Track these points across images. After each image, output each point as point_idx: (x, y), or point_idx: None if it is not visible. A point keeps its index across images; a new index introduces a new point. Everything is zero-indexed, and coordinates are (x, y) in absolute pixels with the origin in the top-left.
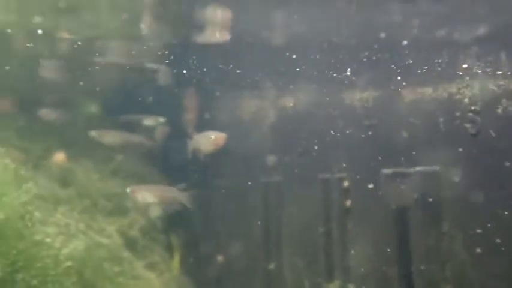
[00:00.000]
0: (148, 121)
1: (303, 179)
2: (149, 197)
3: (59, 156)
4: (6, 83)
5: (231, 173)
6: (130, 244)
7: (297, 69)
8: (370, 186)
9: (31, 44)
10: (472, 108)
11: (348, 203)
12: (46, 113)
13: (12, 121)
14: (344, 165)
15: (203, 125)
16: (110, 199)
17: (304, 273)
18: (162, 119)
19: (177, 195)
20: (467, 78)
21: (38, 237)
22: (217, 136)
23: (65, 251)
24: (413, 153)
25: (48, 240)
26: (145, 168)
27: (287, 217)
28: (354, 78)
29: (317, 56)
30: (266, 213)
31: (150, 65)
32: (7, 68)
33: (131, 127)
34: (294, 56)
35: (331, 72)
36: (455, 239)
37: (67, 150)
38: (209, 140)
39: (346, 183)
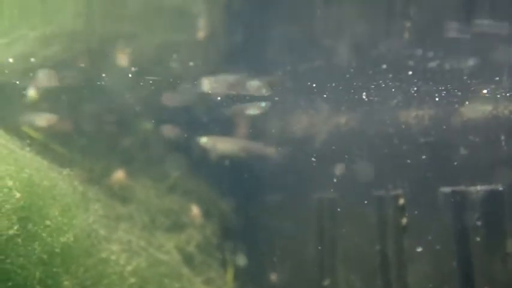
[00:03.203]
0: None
1: (357, 196)
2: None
3: (119, 174)
4: (70, 103)
5: (285, 189)
6: (188, 260)
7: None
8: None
9: (92, 66)
10: None
11: (404, 220)
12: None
13: (75, 141)
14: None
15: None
16: (167, 215)
17: None
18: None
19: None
20: None
21: (103, 255)
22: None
23: (129, 268)
24: (475, 171)
25: (113, 257)
26: (201, 185)
27: (342, 234)
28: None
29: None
30: (321, 230)
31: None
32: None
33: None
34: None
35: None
36: None
37: (126, 168)
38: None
39: (402, 201)
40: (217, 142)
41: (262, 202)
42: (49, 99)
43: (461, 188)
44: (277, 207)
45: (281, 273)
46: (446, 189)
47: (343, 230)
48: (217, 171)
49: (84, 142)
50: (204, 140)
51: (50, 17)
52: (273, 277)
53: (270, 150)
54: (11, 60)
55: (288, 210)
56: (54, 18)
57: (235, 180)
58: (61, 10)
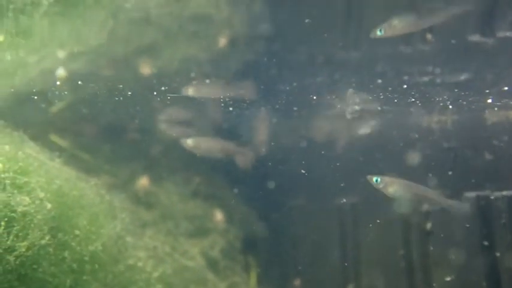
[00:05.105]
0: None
1: (379, 201)
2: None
3: (143, 180)
4: (93, 110)
5: (307, 194)
6: (212, 265)
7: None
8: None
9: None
10: None
11: (429, 225)
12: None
13: (99, 147)
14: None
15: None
16: (191, 220)
17: None
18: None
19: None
20: None
21: (131, 262)
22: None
23: (155, 274)
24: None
25: (140, 264)
26: (224, 189)
27: (365, 239)
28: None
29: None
30: (343, 235)
31: None
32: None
33: None
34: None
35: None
36: None
37: (149, 173)
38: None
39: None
40: (201, 143)
41: (285, 207)
42: (74, 108)
43: (487, 192)
44: (301, 211)
45: (305, 278)
46: (471, 194)
47: (366, 235)
48: (240, 176)
49: (109, 149)
50: (189, 141)
51: (77, 33)
52: (297, 282)
53: (247, 151)
54: (58, 83)
55: (311, 214)
56: (81, 35)
57: (258, 185)
58: (88, 27)
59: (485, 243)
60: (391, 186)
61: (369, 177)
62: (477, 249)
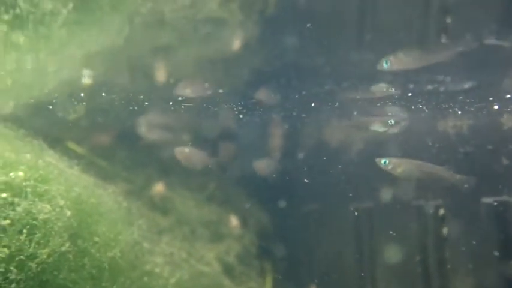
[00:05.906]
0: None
1: (396, 206)
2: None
3: (159, 186)
4: (109, 117)
5: (322, 199)
6: (228, 271)
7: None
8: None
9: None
10: None
11: (445, 231)
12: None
13: (115, 153)
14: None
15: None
16: (207, 226)
17: None
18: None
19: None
20: None
21: (148, 267)
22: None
23: (172, 280)
24: None
25: (157, 270)
26: (239, 194)
27: (381, 244)
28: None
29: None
30: (359, 240)
31: None
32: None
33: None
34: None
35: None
36: None
37: (165, 179)
38: None
39: (442, 211)
40: (189, 153)
41: (300, 212)
42: (91, 114)
43: (504, 198)
44: (315, 217)
45: (320, 283)
46: (488, 200)
47: (382, 240)
48: (255, 181)
49: (123, 154)
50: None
51: (95, 36)
52: None
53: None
54: (82, 94)
55: (326, 220)
56: (99, 37)
57: (273, 190)
58: (105, 29)
59: (502, 249)
60: (400, 166)
61: (377, 160)
62: (494, 255)
